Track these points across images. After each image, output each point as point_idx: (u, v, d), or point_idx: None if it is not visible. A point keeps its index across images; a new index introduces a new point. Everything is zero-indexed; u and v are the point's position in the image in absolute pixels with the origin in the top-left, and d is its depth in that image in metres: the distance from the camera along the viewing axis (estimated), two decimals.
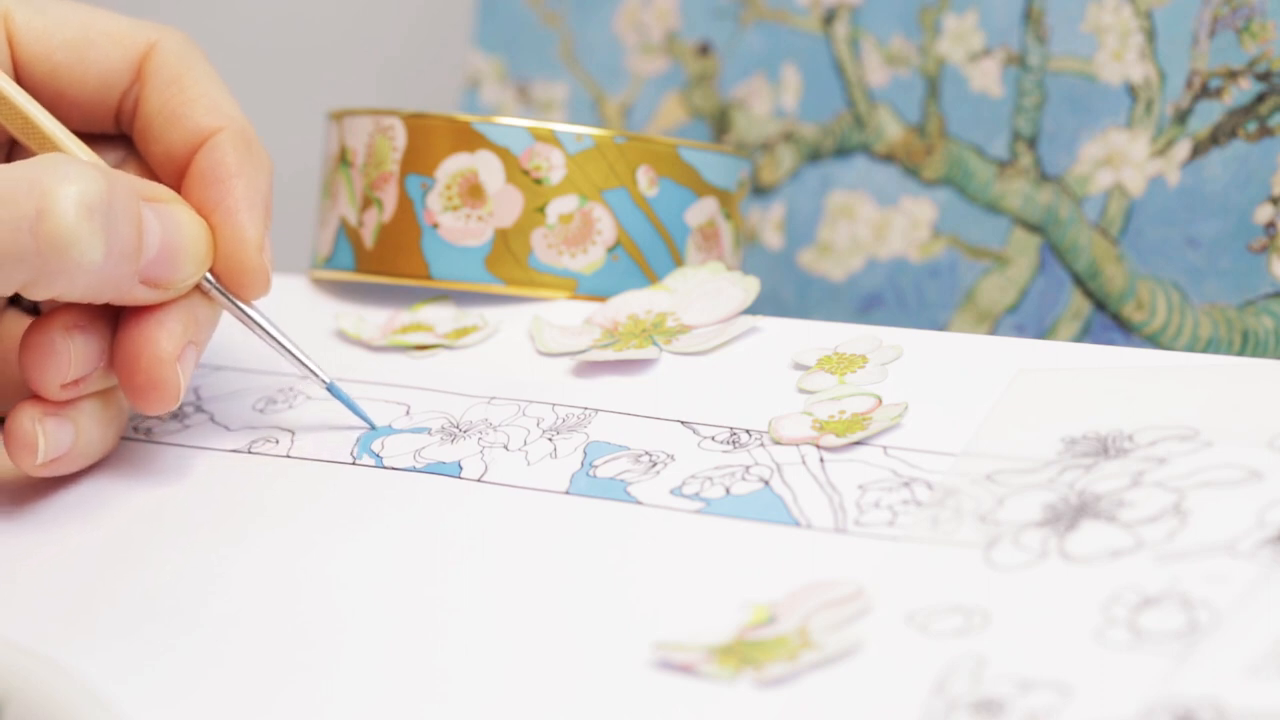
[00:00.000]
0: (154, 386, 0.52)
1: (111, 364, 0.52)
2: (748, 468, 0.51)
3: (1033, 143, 0.65)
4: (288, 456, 0.55)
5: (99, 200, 0.49)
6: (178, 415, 0.57)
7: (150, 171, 0.56)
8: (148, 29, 0.56)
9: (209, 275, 0.53)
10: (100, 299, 0.51)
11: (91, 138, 0.56)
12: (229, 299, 0.53)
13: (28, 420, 0.52)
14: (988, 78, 0.66)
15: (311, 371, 0.54)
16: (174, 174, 0.55)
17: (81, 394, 0.52)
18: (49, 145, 0.53)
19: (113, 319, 0.53)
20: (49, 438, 0.52)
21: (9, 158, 0.57)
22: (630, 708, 0.44)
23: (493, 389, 0.56)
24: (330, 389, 0.55)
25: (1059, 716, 0.40)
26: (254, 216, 0.53)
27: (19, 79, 0.55)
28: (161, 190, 0.52)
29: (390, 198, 0.60)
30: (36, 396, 0.52)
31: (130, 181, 0.51)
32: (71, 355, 0.52)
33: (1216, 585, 0.43)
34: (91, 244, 0.49)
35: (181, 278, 0.52)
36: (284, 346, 0.54)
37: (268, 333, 0.54)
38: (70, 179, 0.48)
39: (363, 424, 0.55)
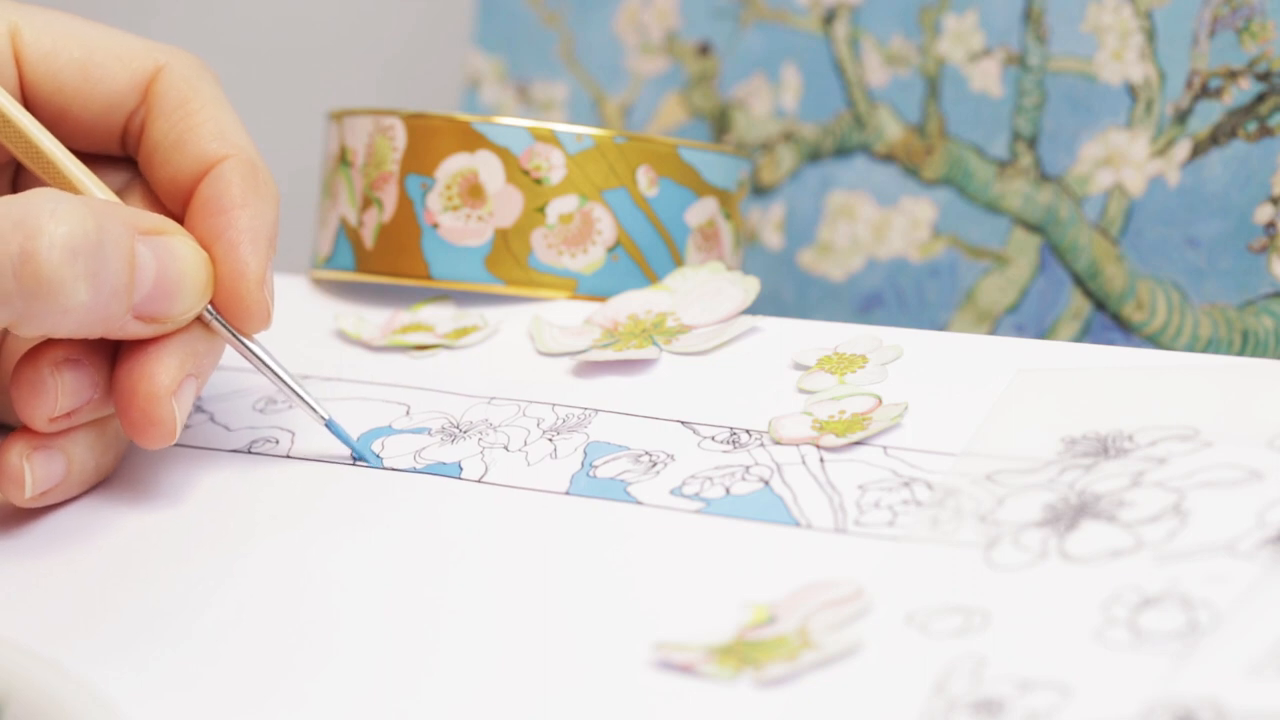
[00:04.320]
0: (150, 423, 0.51)
1: (108, 394, 0.52)
2: (748, 468, 0.51)
3: (1033, 143, 0.65)
4: (288, 457, 0.55)
5: (85, 242, 0.48)
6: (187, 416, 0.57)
7: (155, 197, 0.55)
8: (157, 51, 0.55)
9: (209, 307, 0.52)
10: (92, 335, 0.50)
11: (97, 160, 0.55)
12: (230, 331, 0.52)
13: (15, 455, 0.51)
14: (988, 78, 0.66)
15: (311, 407, 0.53)
16: (179, 200, 0.54)
17: (74, 425, 0.52)
18: (51, 169, 0.52)
19: (110, 348, 0.52)
20: (36, 472, 0.51)
21: (14, 179, 0.56)
22: (630, 708, 0.44)
23: (493, 389, 0.56)
24: (329, 425, 0.54)
25: (1059, 716, 0.40)
26: (256, 249, 0.52)
27: (24, 97, 0.54)
28: (162, 222, 0.51)
29: (390, 198, 0.60)
30: (28, 428, 0.51)
31: (125, 215, 0.50)
32: (60, 390, 0.51)
33: (1216, 585, 0.43)
34: (75, 287, 0.48)
35: (179, 312, 0.51)
36: (284, 382, 0.53)
37: (269, 367, 0.53)
38: (57, 218, 0.47)
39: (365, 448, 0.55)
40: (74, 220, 0.48)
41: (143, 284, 0.50)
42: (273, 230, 0.53)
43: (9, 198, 0.48)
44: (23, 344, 0.54)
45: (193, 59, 0.55)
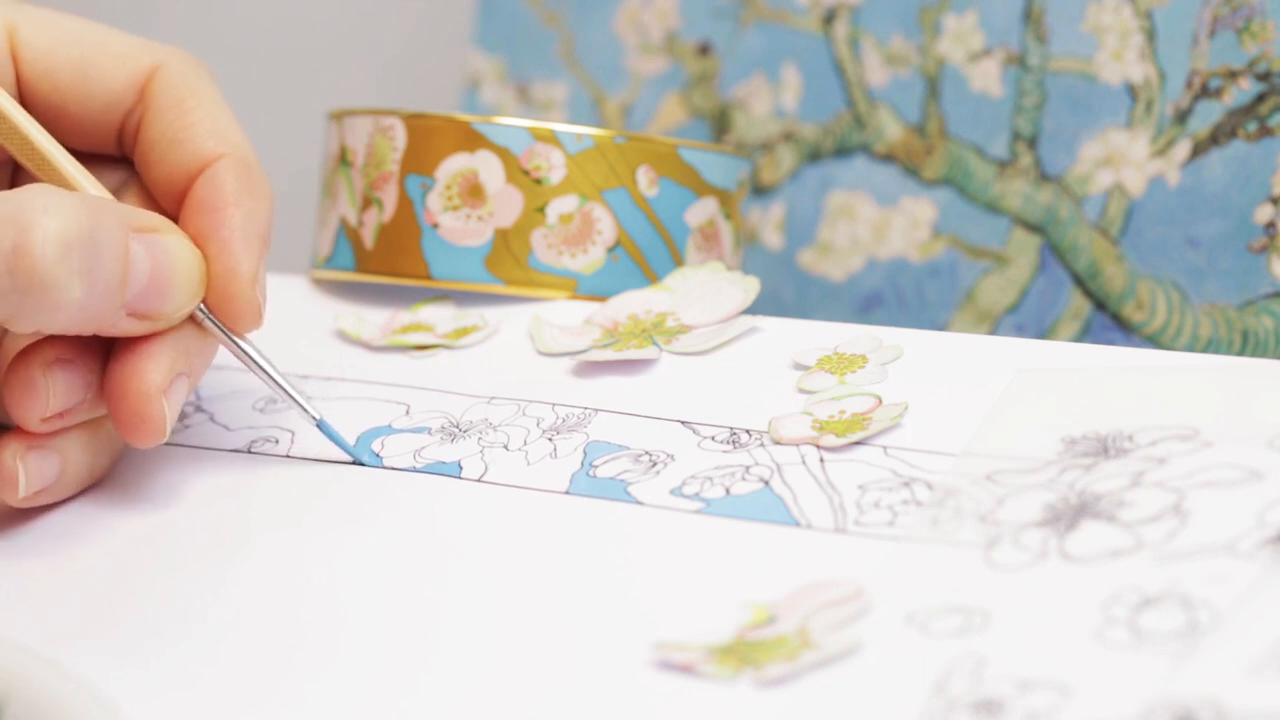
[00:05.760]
0: (140, 421, 0.51)
1: (101, 395, 0.52)
2: (748, 468, 0.51)
3: (1033, 143, 0.65)
4: (288, 456, 0.55)
5: (78, 236, 0.48)
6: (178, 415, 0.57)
7: (150, 196, 0.55)
8: (153, 50, 0.55)
9: (202, 306, 0.52)
10: (85, 331, 0.50)
11: (93, 159, 0.55)
12: (221, 330, 0.52)
13: (9, 455, 0.51)
14: (988, 78, 0.66)
15: (301, 407, 0.53)
16: (173, 200, 0.54)
17: (67, 425, 0.52)
18: (47, 167, 0.52)
19: (103, 349, 0.52)
20: (30, 472, 0.51)
21: (12, 179, 0.56)
22: (630, 708, 0.44)
23: (493, 389, 0.56)
24: (319, 425, 0.54)
25: (1059, 716, 0.40)
26: (249, 248, 0.52)
27: (21, 96, 0.54)
28: (155, 219, 0.51)
29: (390, 198, 0.60)
30: (21, 429, 0.51)
31: (119, 211, 0.50)
32: (51, 390, 0.51)
33: (1216, 585, 0.43)
34: (69, 283, 0.48)
35: (172, 309, 0.51)
36: (276, 381, 0.53)
37: (260, 367, 0.53)
38: (50, 212, 0.47)
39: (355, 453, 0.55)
40: (67, 215, 0.48)
41: (136, 280, 0.50)
42: (266, 229, 0.53)
43: (2, 194, 0.48)
44: (16, 345, 0.54)
45: (190, 58, 0.55)
